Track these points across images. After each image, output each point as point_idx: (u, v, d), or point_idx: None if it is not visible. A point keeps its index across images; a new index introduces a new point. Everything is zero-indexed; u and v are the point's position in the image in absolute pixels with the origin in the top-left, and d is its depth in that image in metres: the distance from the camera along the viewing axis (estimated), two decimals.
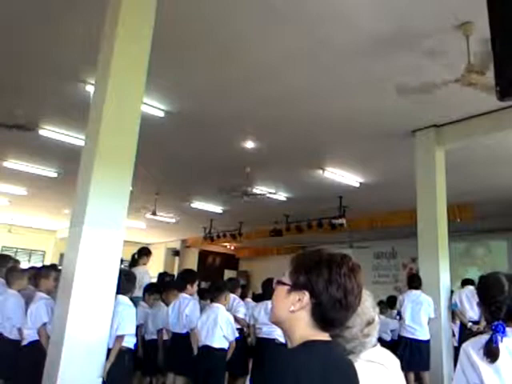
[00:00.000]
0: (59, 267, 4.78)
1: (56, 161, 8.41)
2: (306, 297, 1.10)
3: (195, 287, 4.68)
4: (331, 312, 1.10)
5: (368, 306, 1.40)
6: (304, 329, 1.10)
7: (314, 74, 4.83)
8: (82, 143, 4.52)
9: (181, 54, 4.55)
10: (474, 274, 7.42)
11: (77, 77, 5.08)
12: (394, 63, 4.48)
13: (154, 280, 6.50)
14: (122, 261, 4.09)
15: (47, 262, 15.31)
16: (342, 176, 8.20)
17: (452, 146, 6.04)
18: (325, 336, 1.11)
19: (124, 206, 3.19)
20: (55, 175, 9.22)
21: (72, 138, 6.87)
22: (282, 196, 9.87)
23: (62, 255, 13.90)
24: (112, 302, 3.11)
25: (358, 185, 8.57)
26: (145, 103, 5.25)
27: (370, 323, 1.38)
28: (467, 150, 6.53)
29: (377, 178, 8.26)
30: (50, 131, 6.80)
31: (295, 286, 1.13)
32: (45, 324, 3.67)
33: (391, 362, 1.37)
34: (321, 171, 7.97)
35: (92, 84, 4.82)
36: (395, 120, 5.87)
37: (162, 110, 5.80)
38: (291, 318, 1.12)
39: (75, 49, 4.51)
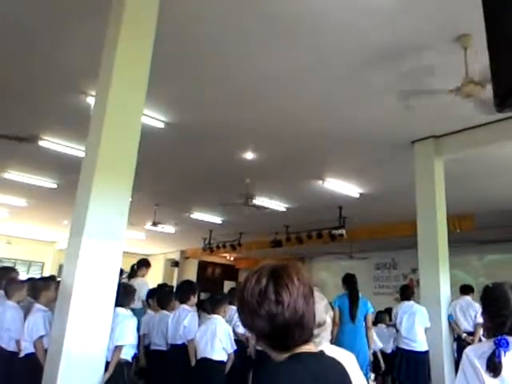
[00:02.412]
0: (58, 278, 4.76)
1: (56, 172, 8.43)
2: (250, 334, 1.12)
3: (196, 298, 4.69)
4: (275, 337, 1.07)
5: (320, 308, 1.42)
6: (272, 354, 1.10)
7: (314, 87, 4.86)
8: (82, 154, 4.53)
9: (182, 66, 4.58)
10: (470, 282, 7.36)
11: (78, 88, 5.12)
12: (393, 75, 4.51)
13: None
14: (121, 272, 4.08)
15: (46, 273, 15.25)
16: (342, 186, 8.20)
17: (451, 157, 6.06)
18: (310, 348, 1.10)
19: (124, 217, 3.18)
20: (55, 186, 9.23)
21: (72, 149, 6.89)
22: (281, 206, 9.86)
23: (60, 266, 13.85)
24: (111, 314, 3.09)
25: (357, 195, 8.57)
26: (145, 114, 5.28)
27: (320, 325, 1.40)
28: (466, 161, 6.55)
29: (376, 188, 8.27)
30: (50, 142, 6.82)
31: (243, 325, 1.15)
32: (41, 337, 3.63)
33: (343, 356, 1.37)
34: (320, 182, 7.98)
35: (93, 96, 4.85)
36: (395, 131, 5.89)
37: (163, 121, 5.83)
38: (260, 346, 1.14)
39: (76, 60, 4.55)
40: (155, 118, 5.72)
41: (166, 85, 4.91)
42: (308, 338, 1.10)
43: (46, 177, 8.85)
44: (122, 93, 3.26)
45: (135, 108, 3.36)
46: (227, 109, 5.50)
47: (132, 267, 6.05)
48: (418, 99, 4.83)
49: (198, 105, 5.46)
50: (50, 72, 4.87)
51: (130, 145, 3.27)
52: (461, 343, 5.60)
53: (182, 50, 4.30)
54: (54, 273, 12.96)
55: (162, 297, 5.11)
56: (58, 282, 3.71)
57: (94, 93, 4.58)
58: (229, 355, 4.19)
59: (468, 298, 5.92)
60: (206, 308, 5.01)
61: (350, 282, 5.62)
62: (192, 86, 5.01)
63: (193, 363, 4.13)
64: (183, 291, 4.68)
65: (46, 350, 3.31)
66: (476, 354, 1.66)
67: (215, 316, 4.28)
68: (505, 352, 1.62)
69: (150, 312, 5.11)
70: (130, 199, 3.32)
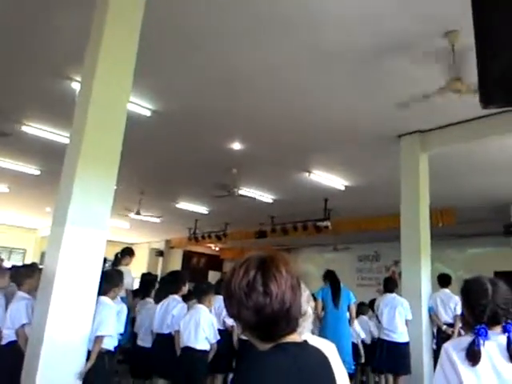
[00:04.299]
0: (40, 266, 4.70)
1: (39, 158, 8.29)
2: (237, 322, 1.12)
3: (186, 287, 4.71)
4: (261, 328, 1.08)
5: (302, 299, 1.45)
6: (257, 344, 1.11)
7: (302, 79, 4.86)
8: (66, 141, 4.46)
9: (170, 53, 4.53)
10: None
11: (62, 73, 5.01)
12: (381, 69, 4.53)
13: (137, 280, 6.43)
14: (105, 260, 4.05)
15: (28, 261, 15.05)
16: (328, 179, 8.25)
17: (436, 152, 6.13)
18: (294, 338, 1.11)
19: (108, 205, 3.15)
20: (38, 173, 9.07)
21: (56, 135, 6.77)
22: (267, 198, 9.88)
23: (43, 254, 13.67)
24: (94, 302, 3.07)
25: (343, 188, 8.63)
26: (131, 102, 5.21)
27: (302, 315, 1.43)
28: (449, 156, 6.64)
29: (362, 181, 8.34)
30: (33, 128, 6.68)
31: (229, 315, 1.15)
32: (24, 325, 3.59)
33: (324, 346, 1.40)
34: (307, 174, 8.01)
35: (78, 81, 4.76)
36: (381, 125, 5.93)
37: (149, 109, 5.76)
38: (246, 336, 1.14)
39: (61, 45, 4.45)
40: (142, 106, 5.65)
41: (154, 72, 4.85)
42: (293, 328, 1.11)
43: (29, 163, 8.70)
44: (107, 79, 3.21)
45: (121, 95, 3.31)
46: (215, 98, 5.46)
47: (116, 256, 6.00)
48: (406, 93, 4.86)
49: (186, 93, 5.41)
50: (34, 56, 4.75)
51: (116, 132, 3.23)
52: (441, 335, 5.74)
53: (170, 37, 4.24)
54: (36, 260, 12.78)
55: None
56: (41, 269, 3.66)
57: (79, 78, 4.49)
58: (211, 345, 4.20)
59: (447, 290, 6.04)
60: (191, 298, 5.02)
61: (330, 275, 5.74)
62: (180, 75, 4.95)
63: (178, 353, 4.14)
64: (172, 283, 4.67)
65: (27, 339, 3.27)
66: (454, 348, 1.70)
67: (200, 306, 4.29)
68: (483, 341, 1.66)
69: (149, 300, 5.06)
70: (115, 187, 3.28)
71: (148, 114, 5.80)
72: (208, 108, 5.75)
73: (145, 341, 4.65)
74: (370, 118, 5.76)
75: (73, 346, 2.94)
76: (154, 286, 5.09)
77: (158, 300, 4.82)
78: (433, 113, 5.47)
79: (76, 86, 4.93)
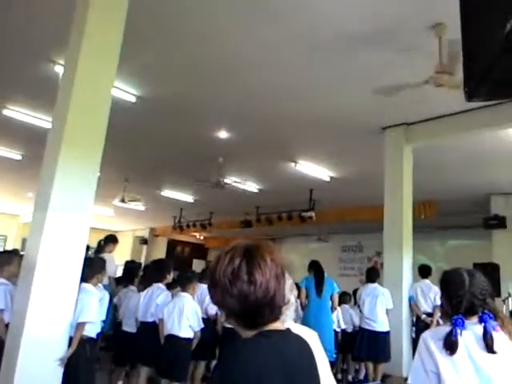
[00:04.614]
0: (21, 252, 4.63)
1: (21, 143, 8.11)
2: (221, 310, 1.13)
3: (171, 276, 4.70)
4: (245, 316, 1.09)
5: (285, 287, 1.47)
6: (241, 332, 1.12)
7: (289, 69, 4.83)
8: (48, 125, 4.38)
9: (156, 39, 4.45)
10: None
11: (45, 56, 4.88)
12: (367, 61, 4.53)
13: (121, 268, 6.40)
14: (88, 247, 4.01)
15: (9, 247, 14.82)
16: (314, 170, 8.29)
17: (420, 144, 6.20)
18: (277, 326, 1.12)
19: (91, 191, 3.12)
20: (19, 157, 8.90)
21: (38, 119, 6.62)
22: (253, 187, 9.89)
23: (24, 240, 13.47)
24: (76, 289, 3.05)
25: (328, 179, 8.68)
26: (116, 87, 5.12)
27: (285, 303, 1.47)
28: (433, 149, 6.72)
29: (347, 173, 8.40)
30: (14, 111, 6.53)
31: (213, 302, 1.15)
32: (1, 311, 3.55)
33: (306, 334, 1.42)
34: (293, 164, 8.03)
35: (61, 64, 4.65)
36: (367, 116, 5.96)
37: (134, 95, 5.67)
38: (230, 323, 1.15)
39: (44, 27, 4.33)
40: (127, 92, 5.56)
41: (139, 57, 4.77)
42: (277, 316, 1.12)
43: (10, 147, 8.50)
44: (92, 63, 3.15)
45: (106, 79, 3.26)
46: (202, 86, 5.40)
47: (99, 243, 5.95)
48: (391, 86, 4.89)
49: (172, 80, 5.34)
50: (16, 39, 4.61)
51: (100, 117, 3.18)
52: (420, 324, 5.87)
53: (157, 22, 4.16)
54: (18, 247, 12.59)
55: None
56: (22, 255, 3.61)
57: (62, 62, 4.39)
58: (195, 333, 4.22)
59: (427, 281, 6.16)
60: (175, 286, 5.01)
61: (315, 265, 5.81)
62: (166, 61, 4.88)
63: (162, 341, 4.15)
64: (157, 271, 4.65)
65: (6, 325, 3.23)
66: (432, 337, 1.74)
67: (183, 294, 4.29)
68: (461, 331, 1.70)
69: (132, 288, 5.00)
70: (99, 174, 3.24)
71: (133, 99, 5.71)
72: (195, 96, 5.69)
73: (130, 326, 4.62)
74: (356, 110, 5.78)
75: (54, 333, 2.92)
76: (137, 275, 5.06)
77: (142, 288, 4.80)
78: (418, 106, 5.51)
79: (59, 69, 4.82)
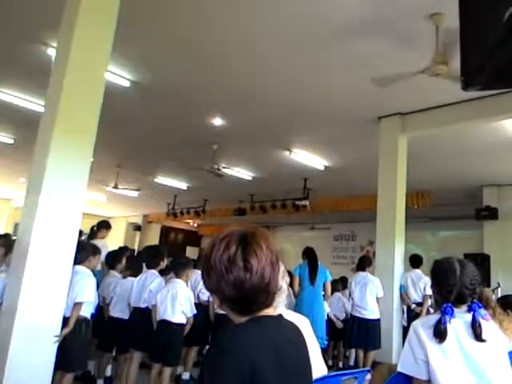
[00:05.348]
0: (13, 237, 4.60)
1: (13, 126, 8.01)
2: (215, 296, 1.13)
3: (164, 263, 4.69)
4: (240, 302, 1.10)
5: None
6: (234, 317, 1.13)
7: (285, 55, 4.79)
8: (41, 109, 4.32)
9: (151, 22, 4.38)
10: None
11: (38, 38, 4.80)
12: (364, 50, 4.50)
13: None
14: (81, 233, 3.99)
15: (1, 232, 14.75)
16: (308, 158, 8.28)
17: (415, 134, 6.21)
18: (269, 312, 1.13)
19: (84, 175, 3.10)
20: (11, 142, 8.79)
21: (31, 103, 6.54)
22: (247, 175, 9.87)
23: (16, 225, 13.40)
24: (69, 273, 3.05)
25: (322, 168, 8.69)
26: (110, 71, 5.05)
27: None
28: (428, 140, 6.74)
29: (341, 162, 8.40)
30: (6, 94, 6.43)
31: (207, 288, 1.16)
32: None
33: (298, 321, 1.44)
34: (288, 152, 8.01)
35: (54, 47, 4.58)
36: (363, 106, 5.95)
37: (128, 79, 5.60)
38: (223, 309, 1.16)
39: (37, 8, 4.24)
40: (120, 76, 5.49)
41: (134, 41, 4.70)
42: (271, 302, 1.13)
43: (2, 131, 8.40)
44: (85, 45, 3.10)
45: (99, 63, 3.21)
46: (197, 71, 5.35)
47: (91, 229, 5.93)
48: (388, 75, 4.87)
49: (167, 65, 5.27)
50: (7, 20, 4.52)
51: (93, 101, 3.14)
52: (411, 313, 5.96)
53: (151, 6, 4.09)
54: (10, 231, 12.52)
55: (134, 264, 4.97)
56: (14, 240, 3.59)
57: (55, 44, 4.32)
58: (188, 319, 4.24)
59: (418, 271, 6.24)
60: (169, 271, 5.01)
61: (309, 253, 5.84)
62: (161, 45, 4.81)
63: (155, 326, 4.17)
64: (151, 257, 4.64)
65: None
66: (423, 326, 1.76)
67: (177, 280, 4.30)
68: (449, 319, 1.73)
69: (113, 273, 4.88)
70: (92, 159, 3.22)
71: (127, 84, 5.64)
72: (189, 82, 5.64)
73: (117, 311, 4.59)
74: (352, 99, 5.76)
75: (47, 316, 2.92)
76: (120, 260, 4.94)
77: (128, 274, 4.75)
78: (414, 95, 5.51)
79: (52, 52, 4.74)
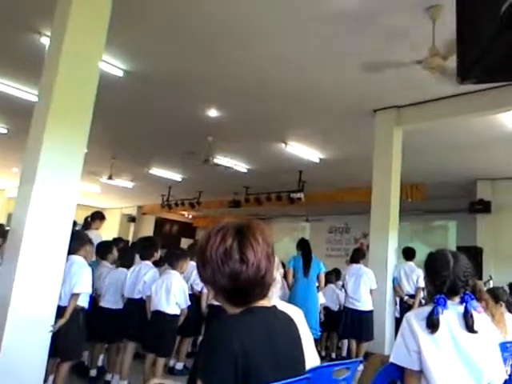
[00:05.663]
0: (7, 228, 4.58)
1: (6, 116, 7.93)
2: (209, 287, 1.14)
3: (159, 254, 4.69)
4: (236, 294, 1.10)
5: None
6: (229, 308, 1.14)
7: (281, 46, 4.76)
8: (34, 98, 4.28)
9: (146, 10, 4.33)
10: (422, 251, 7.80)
11: (31, 27, 4.73)
12: (361, 41, 4.49)
13: None
14: (75, 223, 3.98)
15: None
16: (303, 151, 8.28)
17: (410, 128, 6.22)
18: (264, 303, 1.14)
19: (78, 165, 3.08)
20: (5, 131, 8.71)
21: (24, 92, 6.46)
22: (242, 167, 9.85)
23: (10, 215, 13.32)
24: (63, 263, 3.04)
25: (317, 160, 8.69)
26: (103, 61, 5.00)
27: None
28: (423, 133, 6.75)
29: (337, 154, 8.41)
30: None
31: (202, 280, 1.16)
32: None
33: (292, 312, 1.45)
34: (283, 145, 8.00)
35: (47, 36, 4.52)
36: (358, 98, 5.94)
37: (122, 69, 5.54)
38: (218, 301, 1.16)
39: None
40: (114, 65, 5.43)
41: (128, 30, 4.64)
42: (265, 294, 1.14)
43: None
44: (79, 34, 3.07)
45: (94, 52, 3.18)
46: (193, 61, 5.30)
47: (85, 220, 5.90)
48: (384, 67, 4.87)
49: (162, 54, 5.23)
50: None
51: (87, 91, 3.11)
52: (404, 304, 6.02)
53: None
54: (3, 221, 12.46)
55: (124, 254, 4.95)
56: (7, 230, 3.58)
57: (49, 33, 4.26)
58: (182, 310, 4.25)
59: (411, 263, 6.29)
60: (163, 263, 5.00)
61: (303, 244, 5.85)
62: (156, 34, 4.76)
63: (149, 317, 4.18)
64: (145, 249, 4.63)
65: None
66: (416, 317, 1.78)
67: (172, 271, 4.30)
68: (442, 310, 1.74)
69: (105, 263, 4.85)
70: (86, 150, 3.20)
71: (120, 74, 5.58)
72: (184, 72, 5.60)
73: (108, 302, 4.58)
74: (348, 92, 5.75)
75: (41, 305, 2.92)
76: (111, 251, 4.91)
77: (119, 264, 4.73)
78: (409, 88, 5.50)
79: (45, 40, 4.68)
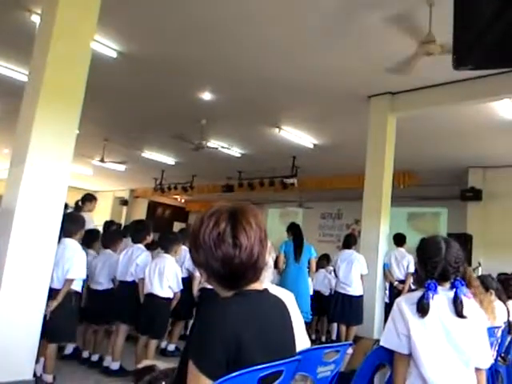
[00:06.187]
0: None
1: None
2: (202, 271, 1.14)
3: (151, 237, 4.68)
4: (228, 278, 1.11)
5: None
6: (221, 292, 1.14)
7: (276, 29, 4.70)
8: (25, 78, 4.20)
9: None
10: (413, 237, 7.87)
11: (21, 4, 4.61)
12: (356, 28, 4.44)
13: (100, 228, 6.33)
14: (66, 206, 3.95)
15: None
16: (297, 136, 8.25)
17: (404, 114, 6.21)
18: (255, 286, 1.15)
19: (70, 146, 3.05)
20: None
21: (14, 71, 6.34)
22: (236, 152, 9.82)
23: (0, 197, 13.24)
24: (55, 245, 3.03)
25: (311, 146, 8.68)
26: (96, 41, 4.91)
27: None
28: (417, 119, 6.75)
29: (330, 140, 8.40)
30: None
31: (195, 264, 1.16)
32: None
33: (283, 295, 1.47)
34: (277, 130, 7.96)
35: (38, 14, 4.41)
36: (353, 84, 5.91)
37: (115, 50, 5.45)
38: (210, 284, 1.16)
39: None
40: (107, 46, 5.34)
41: (122, 9, 4.55)
42: (258, 277, 1.14)
43: None
44: (71, 12, 3.00)
45: (86, 31, 3.12)
46: (188, 43, 5.22)
47: (76, 202, 5.86)
48: (379, 54, 4.83)
49: (156, 35, 5.14)
50: None
51: (79, 71, 3.06)
52: (394, 290, 6.10)
53: None
54: None
55: (107, 237, 4.94)
56: None
57: (39, 11, 4.16)
58: (175, 294, 4.27)
59: (402, 249, 6.36)
60: (156, 247, 5.01)
61: (294, 229, 5.88)
62: (151, 14, 4.66)
63: (142, 300, 4.20)
64: (138, 232, 4.62)
65: None
66: (406, 302, 1.81)
67: (165, 255, 4.31)
68: (433, 295, 1.77)
69: (90, 252, 4.79)
70: (77, 131, 3.16)
71: (114, 55, 5.49)
72: (179, 53, 5.51)
73: (98, 284, 4.58)
74: (342, 78, 5.71)
75: (32, 287, 2.92)
76: (97, 238, 4.87)
77: (104, 245, 4.72)
78: (404, 75, 5.47)
79: (36, 18, 4.57)
